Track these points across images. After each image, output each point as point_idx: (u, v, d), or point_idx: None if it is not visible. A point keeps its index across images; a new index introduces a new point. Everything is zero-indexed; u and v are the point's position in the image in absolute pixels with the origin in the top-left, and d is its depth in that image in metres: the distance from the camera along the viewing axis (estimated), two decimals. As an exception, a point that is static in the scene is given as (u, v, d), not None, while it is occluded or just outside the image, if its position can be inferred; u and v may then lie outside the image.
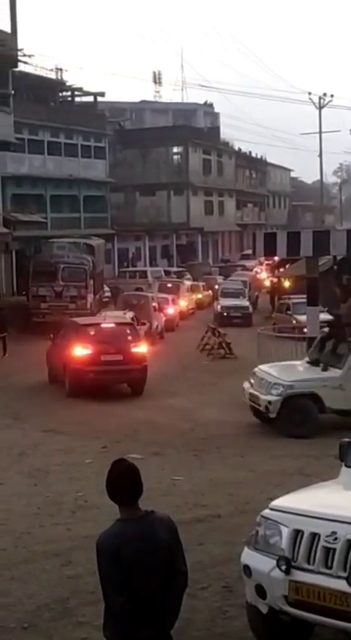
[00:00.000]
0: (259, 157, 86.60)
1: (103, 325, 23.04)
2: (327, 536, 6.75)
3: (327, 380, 16.95)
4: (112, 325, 23.07)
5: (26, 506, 12.56)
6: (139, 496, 5.29)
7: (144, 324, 27.51)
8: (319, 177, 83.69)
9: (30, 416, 19.53)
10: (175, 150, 67.24)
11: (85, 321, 23.80)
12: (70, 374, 21.37)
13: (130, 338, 22.23)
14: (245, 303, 40.05)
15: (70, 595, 8.99)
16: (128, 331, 22.59)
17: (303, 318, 23.73)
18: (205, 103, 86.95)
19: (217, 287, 45.07)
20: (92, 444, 16.43)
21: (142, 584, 5.14)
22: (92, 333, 22.16)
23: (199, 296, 45.75)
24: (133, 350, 21.86)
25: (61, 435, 17.65)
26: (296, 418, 16.72)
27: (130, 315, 24.68)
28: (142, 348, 22.26)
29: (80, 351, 21.34)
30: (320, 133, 76.72)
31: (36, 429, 18.13)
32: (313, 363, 17.62)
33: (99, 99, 59.61)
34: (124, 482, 5.25)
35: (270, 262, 46.43)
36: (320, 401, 16.77)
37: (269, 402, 16.83)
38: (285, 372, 17.69)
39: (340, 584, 6.56)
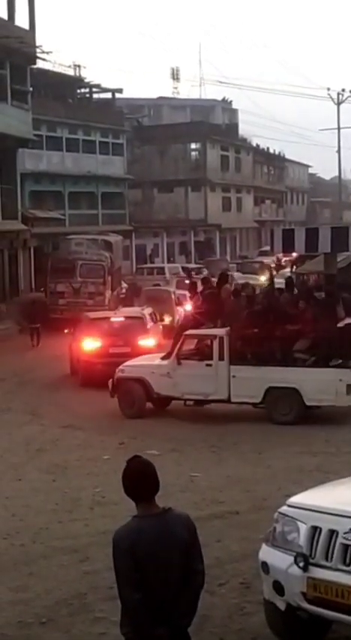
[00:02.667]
0: (277, 153, 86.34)
1: (112, 319, 23.77)
2: (345, 533, 6.73)
3: (156, 367, 18.62)
4: (121, 319, 23.63)
5: (44, 502, 12.62)
6: (155, 493, 5.28)
7: (163, 320, 27.65)
8: (337, 174, 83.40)
9: (48, 412, 19.61)
10: (192, 146, 67.15)
11: (95, 316, 24.51)
12: (81, 365, 22.47)
13: (138, 331, 22.60)
14: None
15: (88, 590, 9.02)
16: (137, 325, 22.93)
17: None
18: (224, 99, 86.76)
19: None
20: (110, 440, 16.46)
21: (158, 582, 5.13)
22: (102, 326, 22.96)
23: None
24: (141, 343, 22.27)
25: (79, 430, 17.70)
26: (127, 399, 18.80)
27: (148, 311, 24.78)
28: (149, 342, 22.66)
29: (90, 343, 22.29)
30: (339, 128, 76.34)
31: (54, 425, 18.19)
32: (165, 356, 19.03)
33: (117, 95, 59.66)
34: (140, 479, 5.25)
35: (289, 258, 46.22)
36: (149, 386, 18.61)
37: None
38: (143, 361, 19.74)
39: (358, 581, 6.55)
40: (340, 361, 17.39)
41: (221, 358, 17.99)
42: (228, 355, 18.00)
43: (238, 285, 22.44)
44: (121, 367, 19.18)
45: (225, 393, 18.09)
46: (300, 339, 17.90)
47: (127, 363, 19.46)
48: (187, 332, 18.80)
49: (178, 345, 18.60)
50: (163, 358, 19.00)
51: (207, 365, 18.08)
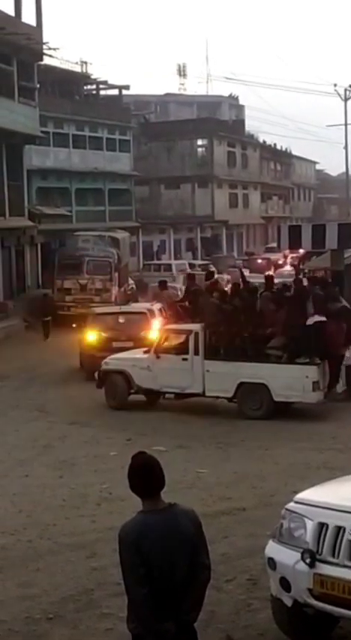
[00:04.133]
0: (284, 149, 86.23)
1: (116, 314, 23.98)
2: (352, 530, 6.73)
3: (137, 361, 19.16)
4: (125, 314, 23.72)
5: (52, 498, 12.64)
6: (160, 489, 5.29)
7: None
8: (344, 170, 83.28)
9: (56, 408, 19.64)
10: (199, 142, 67.07)
11: (99, 311, 24.87)
12: (85, 359, 22.73)
13: (142, 326, 22.65)
14: None
15: (95, 586, 9.04)
16: (141, 320, 22.98)
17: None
18: (230, 95, 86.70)
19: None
20: (117, 437, 16.48)
21: (164, 577, 5.14)
22: (106, 321, 23.22)
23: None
24: (144, 337, 22.20)
25: (86, 427, 17.73)
26: (112, 391, 19.43)
27: (157, 306, 24.87)
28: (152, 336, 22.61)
29: (93, 337, 22.55)
30: (346, 125, 76.24)
31: (62, 422, 18.22)
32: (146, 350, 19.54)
33: (124, 92, 59.58)
34: (144, 474, 5.25)
35: (296, 255, 46.12)
36: (131, 378, 19.15)
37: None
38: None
39: (365, 578, 6.55)
40: (308, 359, 17.72)
41: (196, 353, 18.46)
42: (203, 350, 18.43)
43: (212, 282, 22.69)
44: (106, 360, 19.74)
45: (200, 387, 18.55)
46: (273, 336, 18.24)
47: (113, 356, 19.99)
48: (166, 327, 19.51)
49: (157, 340, 19.14)
50: (145, 352, 19.41)
51: (183, 359, 18.54)
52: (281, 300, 19.33)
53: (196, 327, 18.64)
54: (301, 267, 42.60)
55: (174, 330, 19.30)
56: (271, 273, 32.02)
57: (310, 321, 18.10)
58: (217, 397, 18.66)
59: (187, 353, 18.51)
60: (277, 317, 18.45)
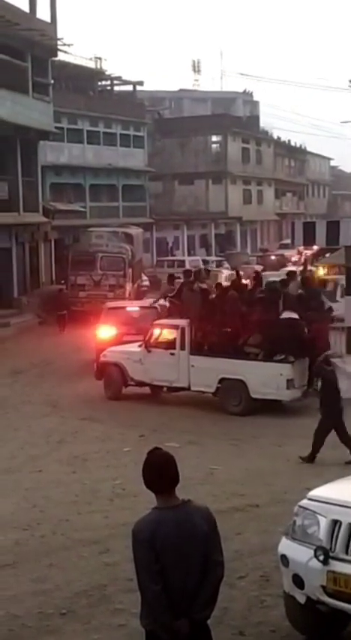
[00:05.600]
0: (298, 145, 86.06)
1: (127, 309, 24.21)
2: (365, 527, 6.71)
3: (130, 354, 19.70)
4: (136, 309, 23.96)
5: (64, 494, 12.66)
6: (175, 485, 5.29)
7: None
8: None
9: (69, 404, 19.67)
10: (213, 139, 67.03)
11: (111, 305, 25.04)
12: (97, 353, 22.54)
13: (152, 321, 22.70)
14: None
15: (108, 582, 9.04)
16: (151, 315, 23.06)
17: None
18: (245, 91, 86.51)
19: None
20: (130, 433, 16.49)
21: (178, 573, 5.14)
22: (117, 316, 23.37)
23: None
24: None
25: (99, 423, 17.74)
26: (109, 382, 20.17)
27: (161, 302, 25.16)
28: None
29: (105, 331, 22.76)
30: (360, 121, 76.04)
31: (74, 417, 18.25)
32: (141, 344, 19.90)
33: (138, 88, 59.60)
34: (159, 470, 5.25)
35: (310, 251, 45.95)
36: (125, 370, 19.78)
37: None
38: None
39: (379, 575, 6.53)
40: (283, 357, 17.97)
41: (183, 348, 18.96)
42: (188, 345, 18.88)
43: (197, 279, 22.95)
44: (104, 352, 20.43)
45: (186, 381, 19.03)
46: (252, 333, 18.56)
47: (111, 348, 20.61)
48: (156, 322, 20.04)
49: (148, 334, 19.67)
50: (139, 346, 19.79)
51: (171, 354, 19.01)
52: (253, 299, 19.76)
53: (182, 322, 19.16)
54: (314, 263, 42.53)
55: (163, 325, 19.78)
56: (258, 270, 32.01)
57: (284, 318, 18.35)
58: (203, 392, 19.00)
59: (174, 348, 19.05)
60: (249, 314, 18.84)
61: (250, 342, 18.52)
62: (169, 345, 19.20)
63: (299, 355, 18.05)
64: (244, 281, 26.21)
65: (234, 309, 19.10)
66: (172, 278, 23.80)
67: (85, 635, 7.91)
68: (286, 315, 18.30)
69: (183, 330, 18.98)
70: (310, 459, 14.04)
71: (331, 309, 21.08)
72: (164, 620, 5.11)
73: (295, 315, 18.24)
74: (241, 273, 42.09)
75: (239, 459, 14.63)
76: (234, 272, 30.48)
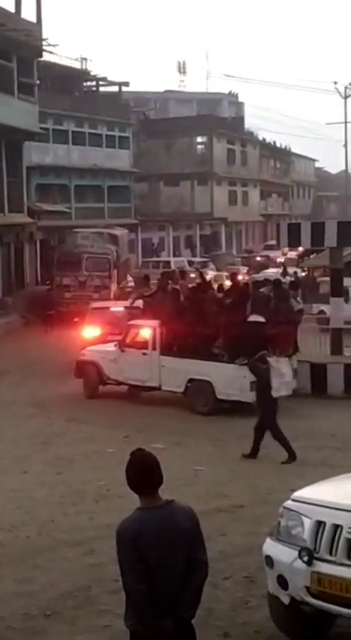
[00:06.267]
0: (283, 146, 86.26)
1: (112, 309, 24.47)
2: (349, 528, 6.74)
3: (106, 353, 20.08)
4: (121, 309, 23.99)
5: (50, 495, 12.66)
6: (158, 485, 5.31)
7: None
8: (344, 168, 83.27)
9: (54, 405, 19.65)
10: (199, 140, 67.08)
11: (95, 306, 25.47)
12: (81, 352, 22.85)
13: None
14: None
15: (93, 583, 9.05)
16: (136, 315, 23.14)
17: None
18: (230, 92, 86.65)
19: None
20: (115, 434, 16.49)
21: (162, 573, 5.16)
22: (102, 316, 23.67)
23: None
24: None
25: (84, 424, 17.74)
26: (87, 380, 20.48)
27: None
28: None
29: (89, 331, 23.10)
30: (346, 122, 76.37)
31: (60, 418, 18.24)
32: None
33: (123, 89, 59.56)
34: (143, 471, 5.28)
35: (295, 253, 46.07)
36: (101, 369, 20.12)
37: None
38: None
39: (363, 576, 6.56)
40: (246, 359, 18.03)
41: (155, 348, 19.25)
42: (159, 346, 19.18)
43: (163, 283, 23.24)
44: (83, 351, 20.81)
45: (157, 381, 19.31)
46: (219, 335, 18.82)
47: (90, 347, 20.98)
48: (130, 322, 20.37)
49: (123, 334, 20.03)
50: (115, 345, 20.11)
51: (143, 354, 19.38)
52: (222, 300, 20.04)
53: (154, 323, 19.46)
54: (299, 265, 42.65)
55: (137, 325, 20.12)
56: (235, 272, 32.13)
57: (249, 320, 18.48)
58: (174, 392, 19.20)
59: (147, 348, 19.37)
60: (216, 316, 19.07)
61: (216, 344, 18.79)
62: (142, 345, 19.53)
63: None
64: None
65: (204, 310, 19.29)
66: (147, 279, 24.04)
67: (70, 636, 7.92)
68: (252, 317, 18.43)
69: (155, 330, 19.25)
70: (252, 455, 14.47)
71: (301, 311, 21.30)
72: (149, 620, 5.13)
73: (261, 318, 18.36)
74: (213, 273, 42.29)
75: (224, 460, 14.66)
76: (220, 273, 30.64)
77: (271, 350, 16.94)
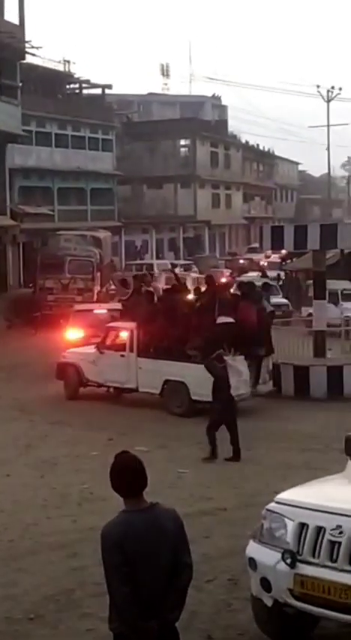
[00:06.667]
0: (266, 150, 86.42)
1: (95, 311, 24.58)
2: (332, 530, 6.77)
3: (86, 355, 20.28)
4: (104, 312, 24.13)
5: (33, 498, 12.63)
6: (143, 488, 5.31)
7: None
8: (326, 171, 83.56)
9: (37, 407, 19.60)
10: (182, 142, 67.17)
11: (79, 308, 25.83)
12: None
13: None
14: None
15: (76, 586, 9.04)
16: (117, 317, 23.22)
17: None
18: (213, 95, 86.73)
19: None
20: (98, 436, 16.46)
21: (146, 576, 5.16)
22: (85, 318, 23.80)
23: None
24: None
25: (67, 427, 17.70)
26: (67, 382, 20.70)
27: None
28: None
29: (72, 334, 23.20)
30: (328, 126, 76.70)
31: (43, 421, 18.19)
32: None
33: (106, 91, 59.55)
34: (127, 474, 5.28)
35: (278, 255, 46.16)
36: (81, 371, 20.32)
37: None
38: None
39: (346, 578, 6.59)
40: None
41: (132, 350, 19.43)
42: (136, 348, 19.36)
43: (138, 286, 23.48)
44: (64, 353, 20.99)
45: (134, 382, 19.49)
46: (193, 337, 18.90)
47: (71, 349, 21.21)
48: (108, 324, 20.70)
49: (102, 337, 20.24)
50: (95, 347, 20.24)
51: (121, 356, 19.53)
52: (194, 303, 20.27)
53: (131, 325, 19.67)
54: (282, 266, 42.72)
55: (115, 327, 20.39)
56: (211, 274, 32.22)
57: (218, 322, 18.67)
58: (148, 393, 19.37)
59: (125, 350, 19.52)
60: (188, 318, 19.27)
61: (190, 345, 18.87)
62: (120, 347, 19.69)
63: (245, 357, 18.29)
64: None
65: (178, 311, 19.48)
66: (124, 281, 24.12)
67: None
68: (221, 319, 18.52)
69: (132, 332, 19.43)
70: (213, 457, 14.57)
71: (273, 313, 21.41)
72: (133, 622, 5.14)
73: (230, 319, 18.48)
74: (196, 276, 42.28)
75: (208, 462, 14.66)
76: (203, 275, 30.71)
77: (228, 349, 17.17)
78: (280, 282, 39.62)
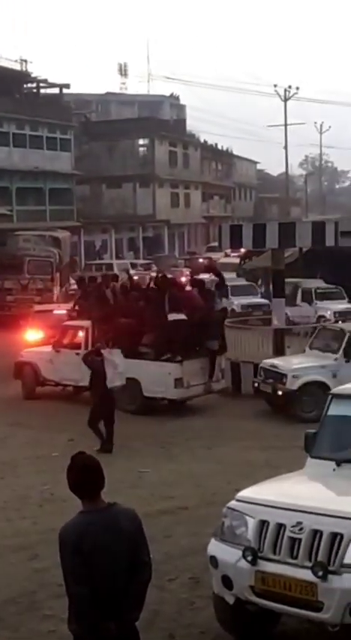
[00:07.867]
0: (225, 149, 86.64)
1: (54, 312, 24.71)
2: (292, 527, 6.80)
3: (43, 354, 20.37)
4: (64, 312, 24.01)
5: (-7, 500, 12.52)
6: (100, 488, 5.30)
7: None
8: (284, 170, 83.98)
9: (-4, 409, 19.46)
10: (141, 142, 67.13)
11: (38, 309, 26.04)
12: None
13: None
14: None
15: (37, 588, 8.99)
16: (75, 317, 23.25)
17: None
18: (171, 95, 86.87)
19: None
20: (59, 437, 16.39)
21: (105, 576, 5.15)
22: (44, 319, 23.85)
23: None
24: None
25: (28, 428, 17.58)
26: (24, 381, 20.69)
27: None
28: None
29: (32, 335, 23.24)
30: (286, 125, 77.03)
31: (3, 423, 18.05)
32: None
33: (64, 91, 59.37)
34: (84, 475, 5.27)
35: (237, 254, 46.24)
36: (38, 370, 20.30)
37: None
38: None
39: (306, 574, 6.63)
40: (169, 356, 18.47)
41: (87, 348, 19.19)
42: (91, 346, 19.24)
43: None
44: (22, 352, 21.12)
45: (88, 380, 19.00)
46: (145, 333, 19.06)
47: (28, 349, 21.34)
48: (63, 323, 20.85)
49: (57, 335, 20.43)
50: (51, 346, 20.35)
51: (76, 354, 19.17)
52: (139, 299, 20.33)
53: (86, 323, 19.76)
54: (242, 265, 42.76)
55: (70, 326, 20.55)
56: (160, 271, 32.17)
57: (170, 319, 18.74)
58: None
59: (80, 348, 19.33)
60: (140, 315, 19.39)
61: (143, 342, 18.96)
62: (76, 345, 19.68)
63: (189, 355, 18.53)
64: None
65: (131, 310, 19.60)
66: (82, 281, 24.15)
67: (14, 642, 7.85)
68: (173, 316, 18.59)
69: (87, 331, 19.51)
70: (107, 449, 14.78)
71: (225, 309, 21.50)
72: (92, 623, 5.12)
73: (181, 316, 18.55)
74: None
75: (169, 461, 14.66)
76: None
77: (180, 346, 17.23)
78: (260, 281, 38.41)
